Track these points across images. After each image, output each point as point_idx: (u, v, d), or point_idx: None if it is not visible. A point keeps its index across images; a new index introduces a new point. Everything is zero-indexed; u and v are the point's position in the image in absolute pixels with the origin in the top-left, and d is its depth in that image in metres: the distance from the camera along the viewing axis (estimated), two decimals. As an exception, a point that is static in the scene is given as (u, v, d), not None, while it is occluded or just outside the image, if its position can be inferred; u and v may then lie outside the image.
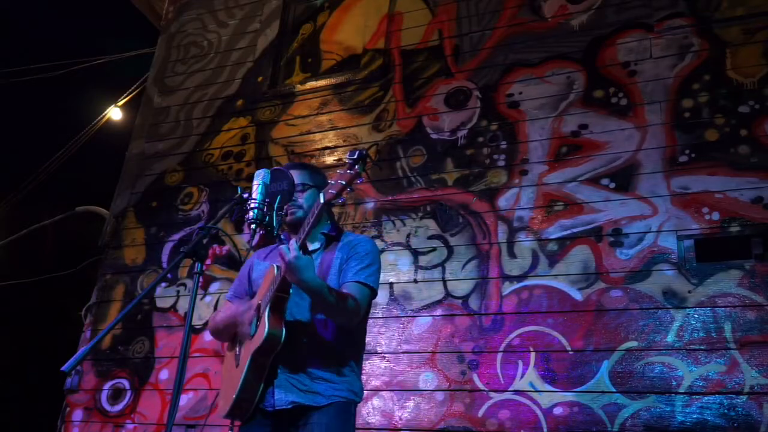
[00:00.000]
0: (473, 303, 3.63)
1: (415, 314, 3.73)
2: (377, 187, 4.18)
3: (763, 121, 3.42)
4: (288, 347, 2.19)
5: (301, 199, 2.42)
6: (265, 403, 2.20)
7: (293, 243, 2.13)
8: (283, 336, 2.15)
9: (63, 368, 1.80)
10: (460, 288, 3.70)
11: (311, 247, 2.40)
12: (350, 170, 2.09)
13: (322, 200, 2.09)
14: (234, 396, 2.18)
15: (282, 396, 2.19)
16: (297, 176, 2.43)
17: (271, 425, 2.20)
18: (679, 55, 3.75)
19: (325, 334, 2.26)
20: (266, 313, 2.17)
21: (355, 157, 2.10)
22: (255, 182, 2.24)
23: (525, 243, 3.66)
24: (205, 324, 4.27)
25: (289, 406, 2.18)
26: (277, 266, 2.23)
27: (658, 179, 3.51)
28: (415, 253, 3.89)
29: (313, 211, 2.14)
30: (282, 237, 2.48)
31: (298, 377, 2.20)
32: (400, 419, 3.52)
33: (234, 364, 2.30)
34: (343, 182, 2.07)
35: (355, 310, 2.22)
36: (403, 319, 3.74)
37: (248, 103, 4.98)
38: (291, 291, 2.23)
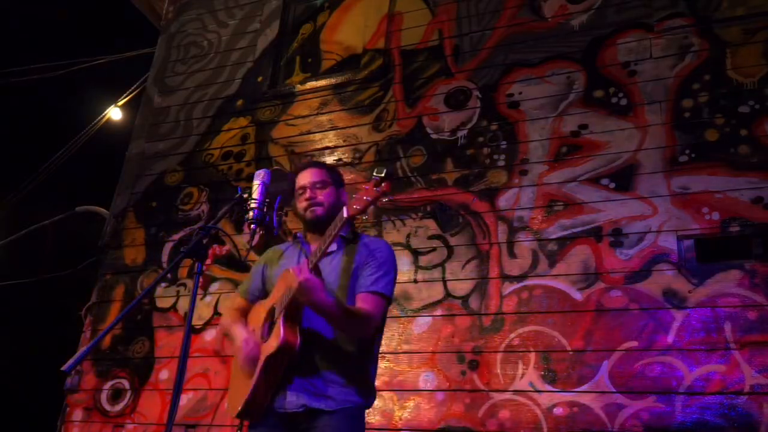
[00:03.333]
0: (473, 303, 3.63)
1: (415, 314, 3.73)
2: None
3: (763, 121, 3.42)
4: (303, 351, 2.18)
5: (321, 195, 2.37)
6: (276, 404, 2.18)
7: (305, 264, 2.12)
8: (299, 345, 2.15)
9: (63, 368, 1.79)
10: (460, 288, 3.70)
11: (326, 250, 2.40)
12: (377, 188, 2.04)
13: (345, 215, 2.05)
14: (246, 398, 2.18)
15: (294, 399, 2.17)
16: (315, 174, 2.41)
17: (281, 426, 2.19)
18: (679, 55, 3.75)
19: (341, 339, 2.24)
20: (281, 321, 2.16)
21: (383, 175, 2.05)
22: (255, 182, 2.24)
23: (525, 243, 3.66)
24: (205, 324, 4.27)
25: (301, 410, 2.17)
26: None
27: (658, 179, 3.51)
28: (415, 253, 3.89)
29: (335, 224, 2.11)
30: (298, 237, 2.45)
31: (312, 381, 2.19)
32: (400, 419, 3.51)
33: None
34: (369, 199, 2.03)
35: (369, 323, 2.22)
36: (403, 319, 3.74)
37: (248, 103, 4.98)
38: None
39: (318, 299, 2.09)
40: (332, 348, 2.23)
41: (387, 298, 2.28)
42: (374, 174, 2.07)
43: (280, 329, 2.14)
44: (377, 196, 2.04)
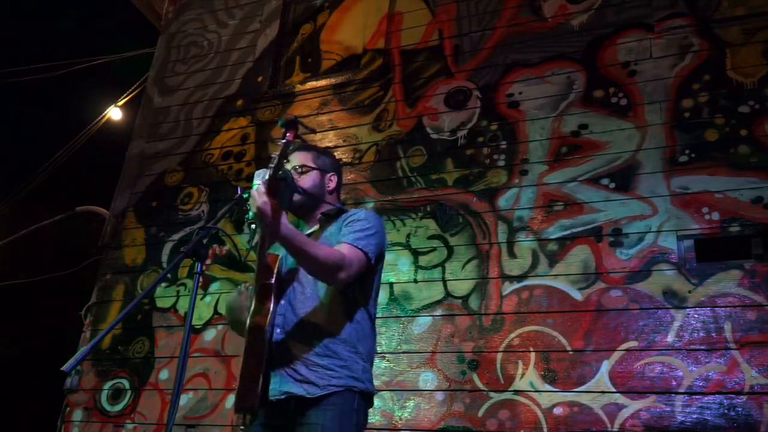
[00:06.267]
0: (473, 303, 3.63)
1: (415, 314, 3.73)
2: (377, 187, 4.18)
3: (763, 121, 3.42)
4: (285, 335, 2.17)
5: (301, 181, 2.36)
6: (266, 394, 2.16)
7: (262, 186, 2.04)
8: (266, 323, 2.12)
9: (63, 368, 1.79)
10: (460, 288, 3.70)
11: (311, 229, 2.39)
12: (282, 139, 2.04)
13: (266, 177, 2.05)
14: (236, 391, 2.17)
15: (276, 386, 2.14)
16: (298, 158, 2.40)
17: (272, 416, 2.16)
18: (679, 55, 3.75)
19: (324, 320, 2.20)
20: (252, 304, 2.16)
21: (282, 124, 2.06)
22: (255, 182, 2.24)
23: (525, 243, 3.66)
24: (205, 324, 4.27)
25: (283, 397, 2.13)
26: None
27: (658, 179, 3.51)
28: (415, 253, 3.89)
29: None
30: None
31: (295, 367, 2.15)
32: (400, 419, 3.52)
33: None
34: (278, 154, 2.02)
35: (338, 264, 2.12)
36: (403, 319, 3.74)
37: (248, 103, 4.98)
38: (281, 275, 2.22)
39: (277, 222, 2.00)
40: (317, 330, 2.18)
41: (361, 250, 2.19)
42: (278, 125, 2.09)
43: (249, 313, 2.14)
44: (284, 148, 2.03)
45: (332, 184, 2.45)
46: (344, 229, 2.28)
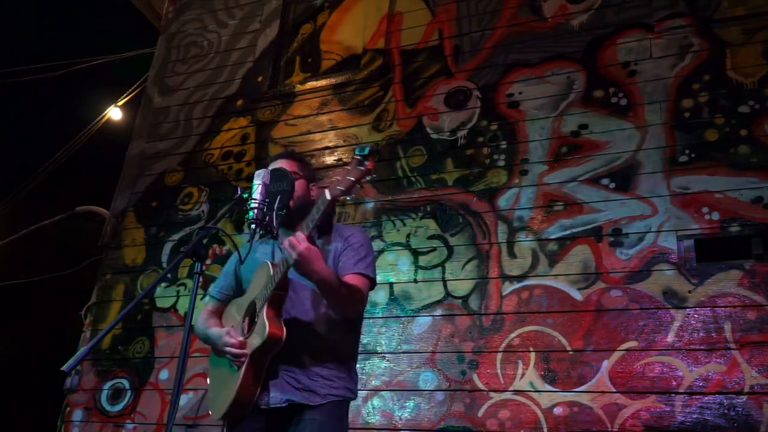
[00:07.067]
0: (473, 303, 3.63)
1: (415, 314, 3.73)
2: (377, 187, 4.18)
3: (763, 121, 3.42)
4: (286, 345, 2.17)
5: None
6: (260, 401, 2.17)
7: (300, 234, 2.08)
8: (284, 335, 2.14)
9: (63, 368, 1.79)
10: (460, 288, 3.70)
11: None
12: (360, 166, 1.94)
13: (328, 197, 1.98)
14: (231, 398, 2.16)
15: (278, 395, 2.17)
16: (287, 165, 2.39)
17: (264, 422, 2.18)
18: (679, 55, 3.75)
19: (323, 331, 2.25)
20: (264, 313, 2.14)
21: (366, 153, 1.95)
22: (255, 182, 2.24)
23: (525, 243, 3.66)
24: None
25: (284, 405, 2.16)
26: (272, 263, 2.21)
27: (658, 179, 3.51)
28: (415, 253, 3.89)
29: (318, 207, 2.07)
30: (260, 232, 2.40)
31: (296, 375, 2.19)
32: (400, 419, 3.51)
33: (228, 364, 2.25)
34: (353, 179, 1.94)
35: (361, 300, 2.26)
36: (403, 319, 3.74)
37: (248, 103, 4.98)
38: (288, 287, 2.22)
39: (320, 267, 2.09)
40: (315, 340, 2.24)
41: (371, 279, 2.32)
42: (356, 153, 1.96)
43: (264, 322, 2.12)
44: (361, 175, 1.94)
45: (314, 194, 2.46)
46: (346, 252, 2.32)
